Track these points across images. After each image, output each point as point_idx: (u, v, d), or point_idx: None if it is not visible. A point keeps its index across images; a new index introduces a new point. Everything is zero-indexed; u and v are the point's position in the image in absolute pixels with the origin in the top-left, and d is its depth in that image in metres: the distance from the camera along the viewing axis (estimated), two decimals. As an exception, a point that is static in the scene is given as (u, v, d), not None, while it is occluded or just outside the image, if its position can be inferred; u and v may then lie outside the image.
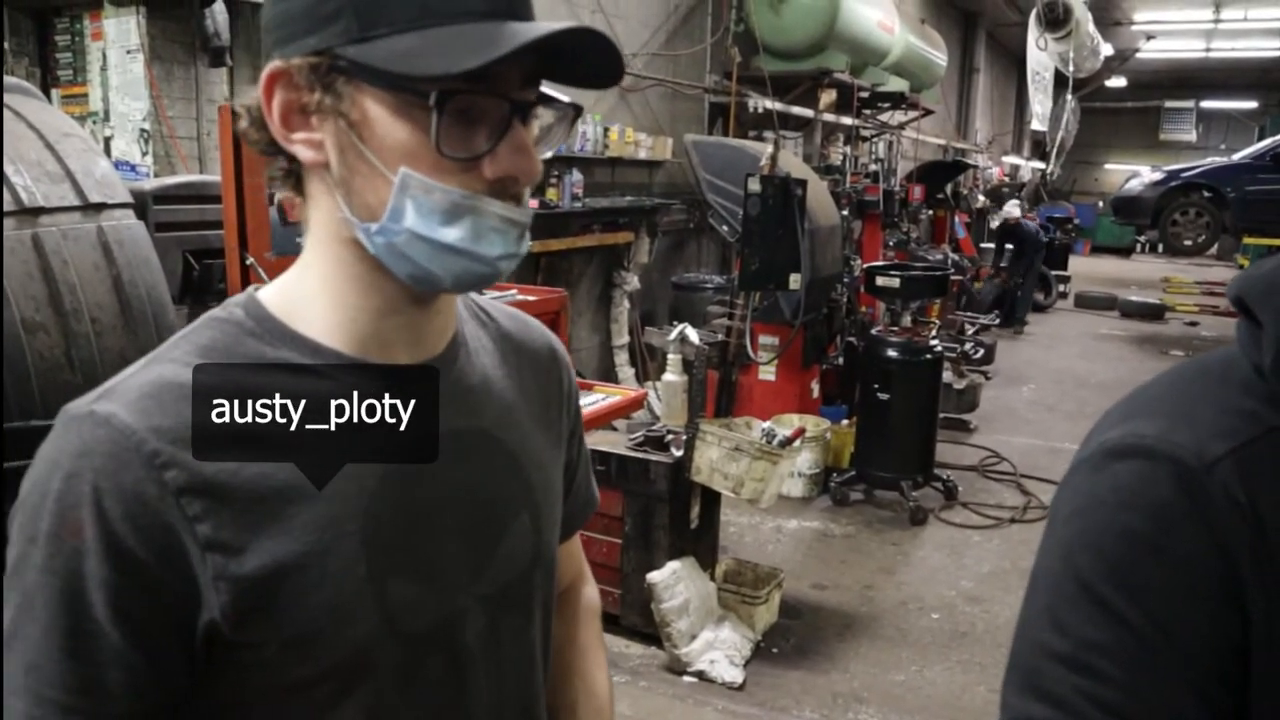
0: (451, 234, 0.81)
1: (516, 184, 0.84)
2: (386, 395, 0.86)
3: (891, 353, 5.92)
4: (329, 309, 0.87)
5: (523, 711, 1.01)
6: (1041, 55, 10.42)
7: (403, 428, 0.87)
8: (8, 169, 2.09)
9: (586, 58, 0.83)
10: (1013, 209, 12.77)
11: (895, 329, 6.22)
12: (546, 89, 0.86)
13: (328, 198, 0.85)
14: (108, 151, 4.81)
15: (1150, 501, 0.83)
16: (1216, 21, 18.67)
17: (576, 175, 7.34)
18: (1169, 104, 27.08)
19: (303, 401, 0.83)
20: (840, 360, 7.08)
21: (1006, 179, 17.33)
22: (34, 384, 2.04)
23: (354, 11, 0.79)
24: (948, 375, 7.47)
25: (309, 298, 0.87)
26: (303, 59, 0.80)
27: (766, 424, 4.20)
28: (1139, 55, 19.57)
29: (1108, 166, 28.44)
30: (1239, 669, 0.82)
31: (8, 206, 2.06)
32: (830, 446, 6.29)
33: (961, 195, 14.15)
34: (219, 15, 4.75)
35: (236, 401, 0.81)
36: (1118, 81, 20.66)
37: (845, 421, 6.59)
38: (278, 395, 0.83)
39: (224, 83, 5.21)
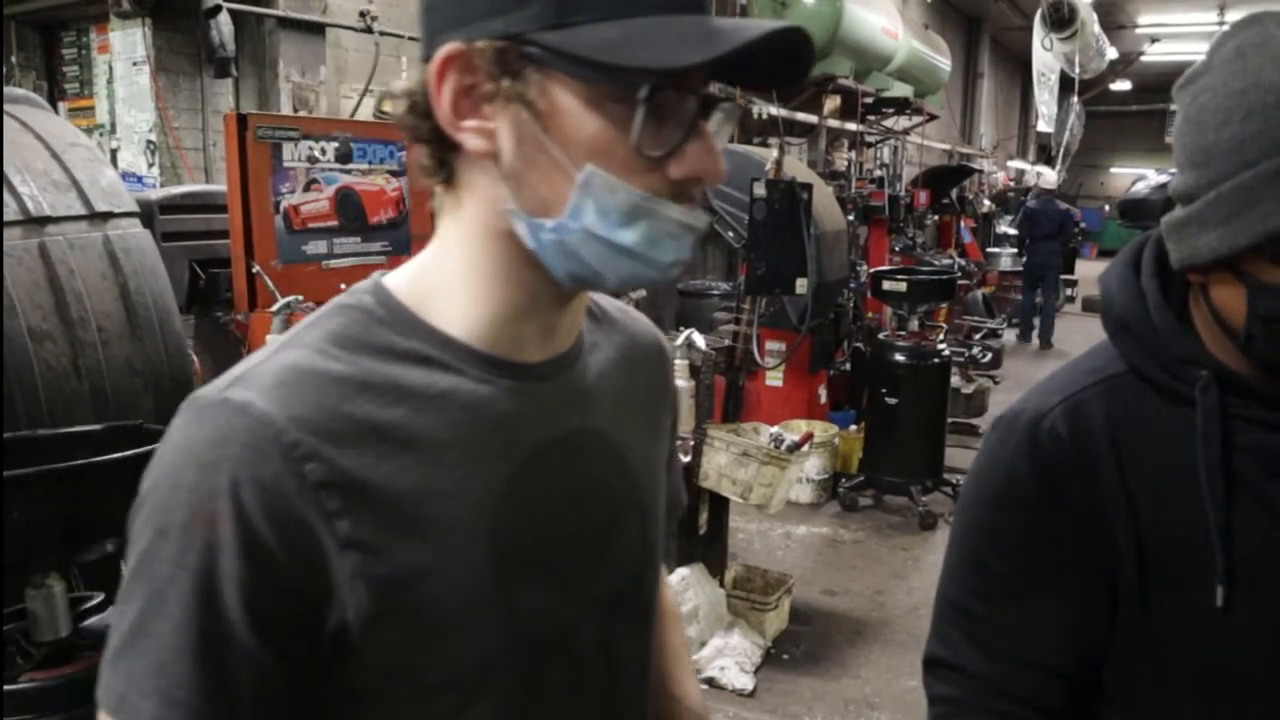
0: (629, 236, 0.76)
1: (698, 184, 0.79)
2: (515, 393, 0.83)
3: (899, 357, 5.90)
4: (466, 302, 0.83)
5: (636, 712, 0.98)
6: (1047, 56, 10.43)
7: (530, 427, 0.84)
8: (15, 178, 2.10)
9: (774, 58, 0.78)
10: (1049, 175, 12.59)
11: (902, 334, 6.21)
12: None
13: (490, 189, 0.79)
14: (114, 163, 4.83)
15: (1004, 460, 1.00)
16: (1221, 24, 18.65)
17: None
18: (1174, 107, 27.04)
19: (433, 396, 0.80)
20: (848, 365, 7.07)
21: (1012, 183, 17.33)
22: (41, 393, 2.04)
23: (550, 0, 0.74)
24: (956, 380, 7.45)
25: (443, 289, 0.83)
26: (487, 42, 0.74)
27: (774, 429, 4.19)
28: (1144, 58, 19.57)
29: (1113, 170, 28.43)
30: (1109, 590, 0.95)
31: (15, 216, 2.07)
32: (839, 452, 6.27)
33: (967, 200, 14.14)
34: (224, 27, 4.77)
35: (370, 393, 0.78)
36: (1123, 85, 20.65)
37: (853, 427, 6.57)
38: (409, 388, 0.79)
39: (229, 93, 5.24)
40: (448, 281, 0.83)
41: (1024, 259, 12.82)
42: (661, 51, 0.72)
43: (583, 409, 0.90)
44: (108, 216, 2.23)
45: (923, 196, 10.77)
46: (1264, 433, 0.90)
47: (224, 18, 4.77)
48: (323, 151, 2.97)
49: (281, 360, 0.77)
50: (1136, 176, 13.46)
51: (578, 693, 0.89)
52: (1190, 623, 0.91)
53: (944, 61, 12.48)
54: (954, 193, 12.69)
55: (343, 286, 2.84)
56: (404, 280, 0.85)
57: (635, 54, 0.72)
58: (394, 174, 3.21)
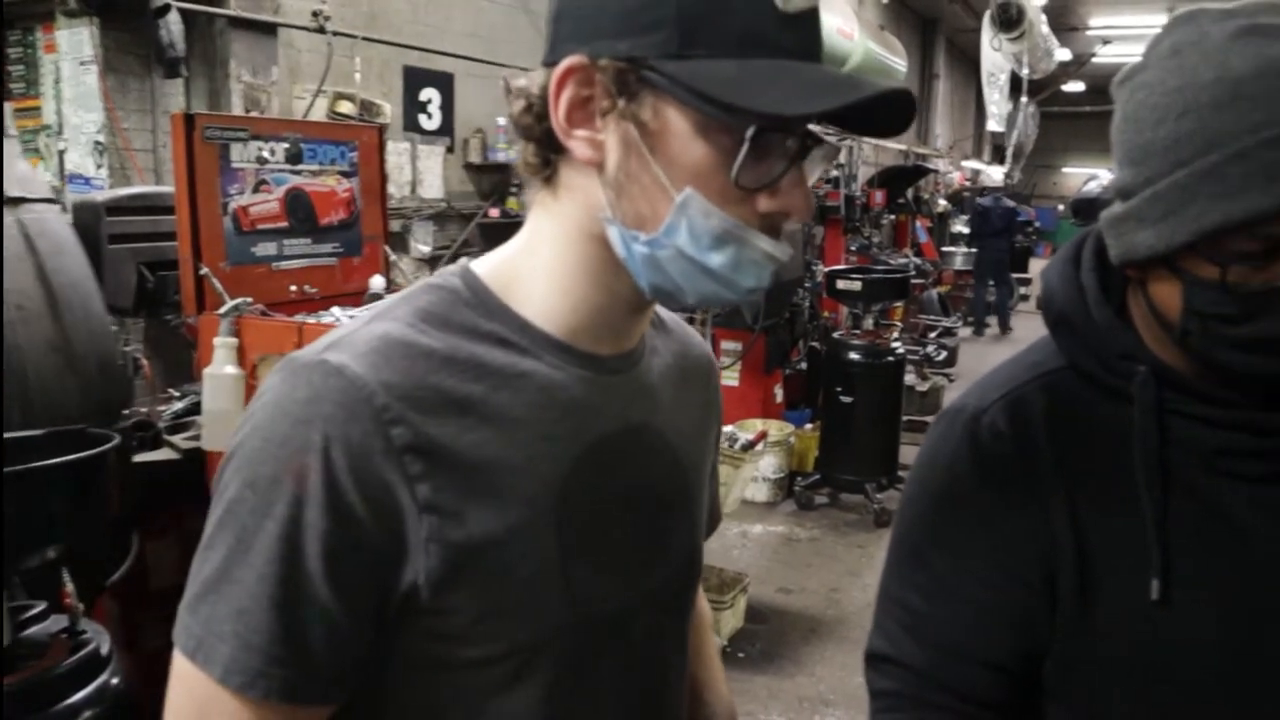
0: (716, 259, 0.80)
1: (785, 219, 0.83)
2: (587, 382, 0.87)
3: (854, 356, 5.95)
4: (548, 293, 0.87)
5: (675, 713, 1.02)
6: (996, 56, 10.54)
7: (599, 416, 0.88)
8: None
9: (878, 110, 0.80)
10: (994, 174, 12.90)
11: (857, 332, 6.27)
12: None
13: (590, 194, 0.83)
14: (61, 165, 4.76)
15: (945, 455, 1.01)
16: (1170, 26, 18.84)
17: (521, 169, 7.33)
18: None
19: (512, 376, 0.84)
20: (803, 364, 7.12)
21: (968, 183, 17.51)
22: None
23: (677, 26, 0.77)
24: (911, 378, 7.52)
25: (530, 278, 0.87)
26: (610, 62, 0.78)
27: (729, 428, 4.22)
28: (1096, 60, 19.83)
29: (1066, 170, 28.79)
30: (1048, 584, 0.95)
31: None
32: (794, 450, 6.31)
33: (923, 200, 14.27)
34: (174, 26, 4.71)
35: (455, 367, 0.82)
36: (1075, 86, 20.91)
37: (809, 425, 6.62)
38: (490, 366, 0.83)
39: (180, 94, 5.17)
40: (534, 271, 0.87)
41: (975, 254, 13.18)
42: (776, 97, 0.75)
43: (645, 406, 0.94)
44: (20, 201, 2.34)
45: (879, 196, 10.85)
46: (1200, 428, 0.92)
47: (173, 17, 4.71)
48: (272, 152, 2.94)
49: (374, 330, 0.81)
50: (1088, 176, 13.60)
51: (625, 680, 0.92)
52: (1127, 616, 0.92)
53: (900, 62, 12.56)
54: (910, 193, 12.80)
55: (293, 289, 2.81)
56: (491, 266, 0.89)
57: (751, 95, 0.75)
58: (345, 175, 3.18)
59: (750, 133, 0.76)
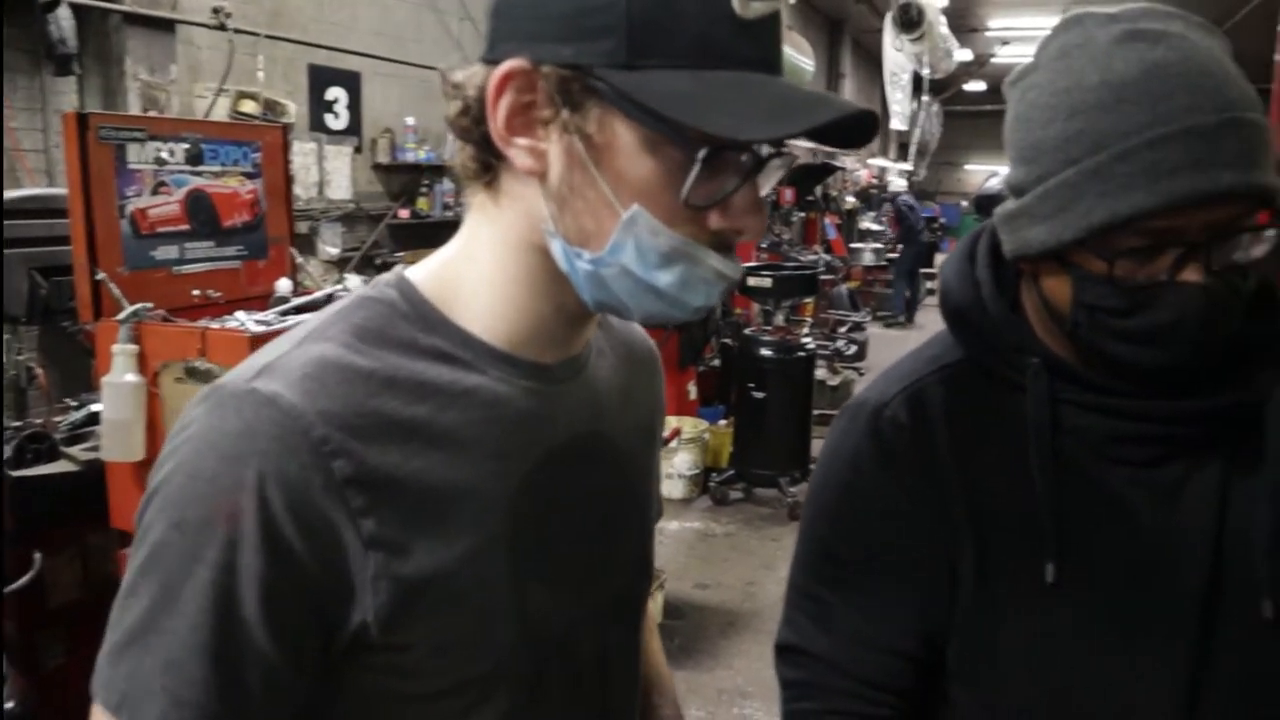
0: (664, 279, 0.76)
1: (738, 236, 0.78)
2: (533, 394, 0.84)
3: (765, 352, 6.03)
4: (491, 303, 0.83)
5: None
6: (898, 56, 10.75)
7: (546, 428, 0.85)
8: None
9: (838, 127, 0.75)
10: (898, 181, 13.24)
11: (769, 329, 6.34)
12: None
13: (532, 204, 0.78)
14: (-54, 165, 4.57)
15: (848, 448, 1.03)
16: (1065, 27, 19.42)
17: (448, 184, 7.28)
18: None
19: (457, 394, 0.80)
20: (716, 361, 7.17)
21: (875, 180, 17.82)
22: None
23: (626, 33, 0.71)
24: (822, 372, 7.63)
25: (470, 288, 0.83)
26: (554, 68, 0.73)
27: (644, 427, 4.22)
28: (995, 60, 20.34)
29: (968, 167, 29.49)
30: (949, 572, 0.98)
31: None
32: (709, 447, 6.36)
33: (832, 197, 14.49)
34: (64, 21, 4.56)
35: (396, 389, 0.77)
36: (977, 85, 21.41)
37: (723, 421, 6.68)
38: (433, 384, 0.79)
39: (73, 92, 5.01)
40: (475, 281, 0.83)
41: (899, 251, 13.57)
42: (732, 119, 0.70)
43: (593, 413, 0.91)
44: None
45: (788, 194, 10.99)
46: (1090, 416, 0.95)
47: (64, 12, 4.55)
48: (171, 153, 2.86)
49: (308, 353, 0.76)
50: (990, 173, 13.98)
51: (577, 695, 0.91)
52: (1023, 600, 0.95)
53: (808, 62, 12.72)
54: (819, 190, 13.00)
55: (196, 293, 2.73)
56: (428, 275, 0.85)
57: (705, 115, 0.70)
58: (248, 176, 3.11)
59: (703, 154, 0.72)
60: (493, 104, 0.75)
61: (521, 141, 0.76)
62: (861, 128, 0.76)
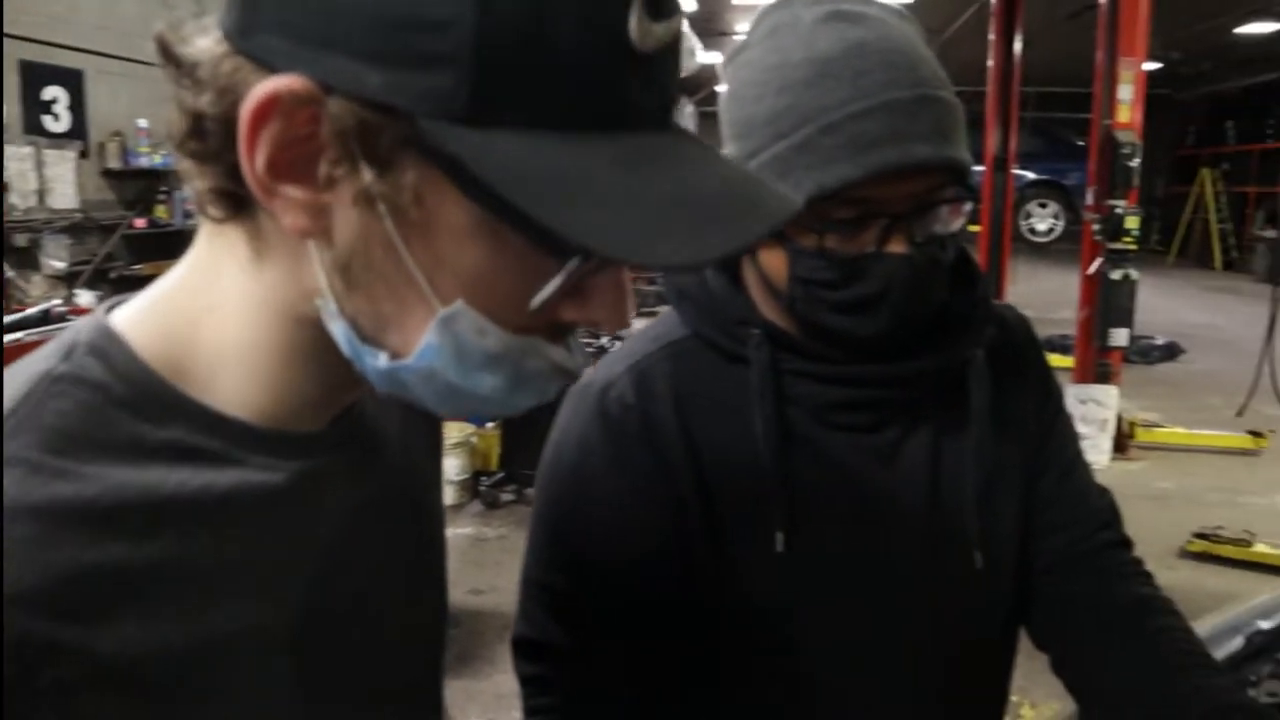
0: (488, 383, 0.57)
1: (594, 328, 0.60)
2: (307, 477, 0.62)
3: (531, 353, 6.02)
4: (248, 376, 0.59)
5: None
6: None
7: (328, 516, 0.64)
8: None
9: None
10: None
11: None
12: None
13: (305, 268, 0.56)
14: None
15: (576, 431, 1.02)
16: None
17: (188, 192, 6.91)
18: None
19: (209, 507, 0.56)
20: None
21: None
22: None
23: (472, 70, 0.48)
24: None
25: (216, 356, 0.59)
26: (351, 104, 0.49)
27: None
28: (742, 63, 21.16)
29: (724, 167, 30.63)
30: (684, 550, 0.98)
31: None
32: (477, 450, 6.31)
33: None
34: None
35: (122, 523, 0.52)
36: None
37: (490, 424, 6.63)
38: (176, 502, 0.55)
39: None
40: (221, 346, 0.59)
41: None
42: (625, 227, 0.49)
43: (376, 466, 0.70)
44: None
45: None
46: (811, 385, 0.98)
47: None
48: None
49: None
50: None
51: None
52: (756, 570, 0.97)
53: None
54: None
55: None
56: (151, 332, 0.58)
57: (587, 220, 0.48)
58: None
59: (573, 265, 0.53)
60: (248, 137, 0.51)
61: (291, 191, 0.52)
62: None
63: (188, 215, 6.91)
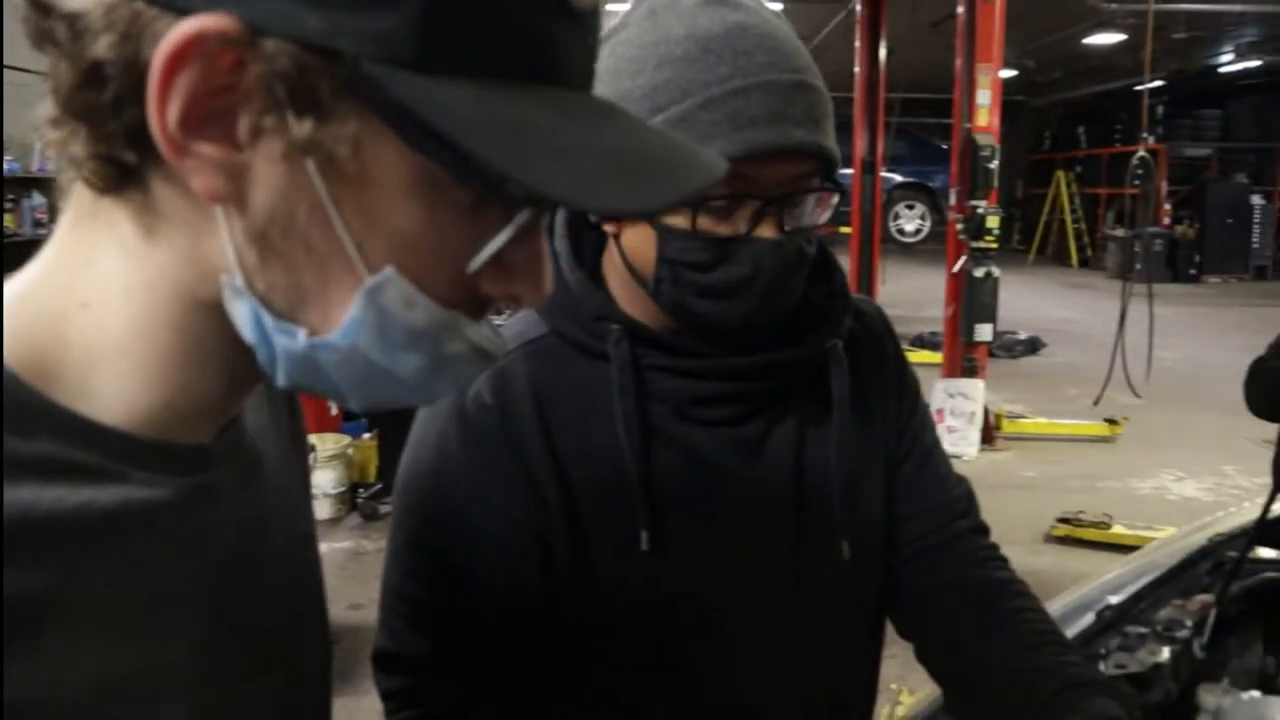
0: (409, 364, 0.53)
1: (512, 304, 0.58)
2: (196, 492, 0.56)
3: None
4: (131, 377, 0.53)
5: None
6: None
7: (218, 535, 0.58)
8: None
9: None
10: None
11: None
12: None
13: (207, 242, 0.51)
14: None
15: (434, 435, 0.98)
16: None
17: (39, 199, 6.60)
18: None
19: (90, 532, 0.49)
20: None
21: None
22: None
23: (423, 15, 0.46)
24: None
25: (93, 355, 0.52)
26: (287, 45, 0.45)
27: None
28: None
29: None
30: (547, 552, 0.96)
31: None
32: (353, 462, 6.18)
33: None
34: None
35: None
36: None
37: (367, 435, 6.50)
38: (51, 527, 0.48)
39: None
40: (99, 345, 0.52)
41: None
42: (575, 171, 0.48)
43: (258, 481, 0.64)
44: None
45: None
46: (673, 379, 0.97)
47: None
48: None
49: None
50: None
51: None
52: (622, 569, 0.96)
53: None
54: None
55: None
56: (12, 338, 0.51)
57: (538, 162, 0.47)
58: None
59: (523, 218, 0.52)
60: (160, 84, 0.45)
61: (205, 148, 0.47)
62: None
63: (38, 224, 6.59)
